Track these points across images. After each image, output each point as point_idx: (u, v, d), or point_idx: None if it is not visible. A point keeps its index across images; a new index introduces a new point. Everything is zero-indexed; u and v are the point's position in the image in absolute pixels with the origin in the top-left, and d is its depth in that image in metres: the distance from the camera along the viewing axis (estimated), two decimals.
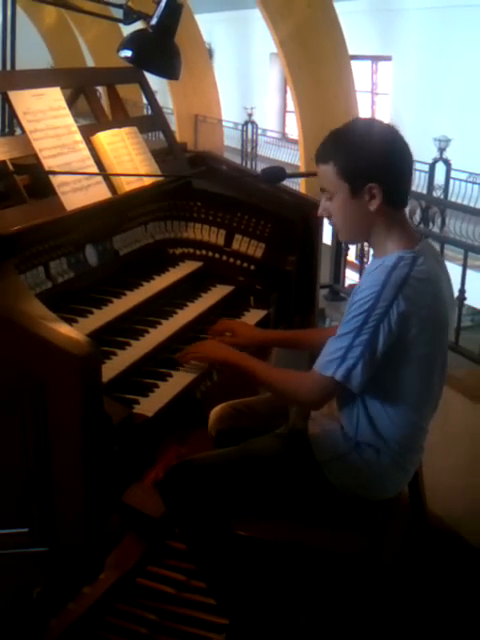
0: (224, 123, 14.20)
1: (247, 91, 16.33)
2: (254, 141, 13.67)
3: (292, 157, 12.94)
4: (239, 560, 2.19)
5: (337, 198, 2.01)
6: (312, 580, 2.48)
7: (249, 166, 12.74)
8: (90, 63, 17.88)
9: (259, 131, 13.86)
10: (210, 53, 16.45)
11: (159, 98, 3.17)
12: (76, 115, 2.54)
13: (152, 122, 3.06)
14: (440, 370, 2.10)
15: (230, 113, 14.53)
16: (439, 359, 2.08)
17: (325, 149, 2.02)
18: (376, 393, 2.03)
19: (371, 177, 1.96)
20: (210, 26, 15.63)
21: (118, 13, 3.03)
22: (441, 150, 9.68)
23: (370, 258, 2.14)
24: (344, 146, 1.99)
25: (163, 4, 2.73)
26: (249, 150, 13.62)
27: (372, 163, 1.96)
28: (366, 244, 4.56)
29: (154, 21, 2.74)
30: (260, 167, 11.70)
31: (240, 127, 13.74)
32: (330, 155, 2.00)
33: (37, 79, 2.48)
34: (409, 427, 2.08)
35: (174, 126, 13.11)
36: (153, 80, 3.00)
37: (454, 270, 3.60)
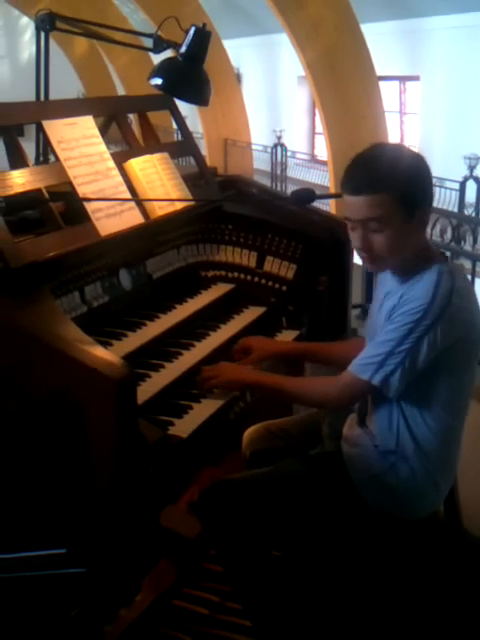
0: (254, 146, 14.27)
1: (276, 114, 16.42)
2: (284, 163, 13.73)
3: (322, 178, 12.97)
4: (275, 581, 2.19)
5: (391, 227, 1.97)
6: (347, 602, 2.47)
7: (279, 188, 12.79)
8: (120, 90, 18.09)
9: (288, 153, 13.91)
10: (238, 78, 16.58)
11: (189, 123, 3.21)
12: (108, 142, 2.59)
13: (183, 147, 3.11)
14: (473, 377, 2.12)
15: (259, 136, 14.61)
16: (473, 368, 2.10)
17: (377, 178, 1.96)
18: (414, 403, 2.04)
19: (420, 202, 1.99)
20: (238, 51, 15.76)
21: (148, 42, 3.09)
22: (471, 168, 9.64)
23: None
24: (399, 174, 1.96)
25: (192, 33, 2.79)
26: (279, 172, 13.67)
27: (421, 188, 2.00)
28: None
29: (183, 49, 2.80)
30: (290, 189, 11.74)
31: (269, 150, 13.81)
32: (383, 185, 1.95)
33: (70, 108, 2.54)
34: (446, 434, 2.08)
35: (204, 150, 13.21)
36: (183, 105, 3.05)
37: None
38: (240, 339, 2.54)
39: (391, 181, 1.95)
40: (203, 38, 2.82)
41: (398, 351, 1.95)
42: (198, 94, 2.93)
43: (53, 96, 3.02)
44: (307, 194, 2.43)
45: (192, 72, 2.85)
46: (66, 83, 14.31)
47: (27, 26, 20.49)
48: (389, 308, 2.05)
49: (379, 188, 1.94)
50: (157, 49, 2.97)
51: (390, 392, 1.99)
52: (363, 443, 2.14)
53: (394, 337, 1.95)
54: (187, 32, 2.82)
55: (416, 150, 2.09)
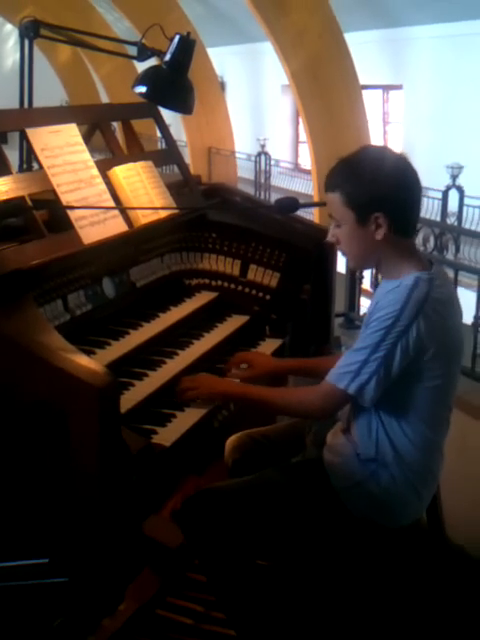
0: (237, 155, 14.29)
1: (259, 123, 16.46)
2: (267, 172, 13.75)
3: (305, 187, 13.01)
4: (258, 590, 2.18)
5: (344, 226, 2.03)
6: (332, 610, 2.47)
7: (263, 197, 12.81)
8: (104, 98, 18.08)
9: (272, 162, 13.94)
10: (222, 86, 16.61)
11: (172, 131, 3.22)
12: (92, 150, 2.59)
13: (167, 156, 3.11)
14: (453, 390, 2.12)
15: (243, 145, 14.64)
16: (453, 379, 2.10)
17: (333, 178, 2.02)
18: (392, 411, 2.04)
19: (377, 207, 1.96)
20: (222, 59, 15.80)
21: (132, 50, 3.10)
22: (454, 177, 9.70)
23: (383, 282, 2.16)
24: (351, 175, 1.99)
25: (176, 41, 2.80)
26: (262, 181, 13.70)
27: (378, 193, 1.96)
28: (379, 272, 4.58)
29: (168, 57, 2.80)
30: (274, 197, 11.75)
31: (253, 158, 13.84)
32: (337, 184, 2.01)
33: (54, 116, 2.54)
34: (426, 446, 2.08)
35: (188, 159, 13.22)
36: (166, 113, 3.05)
37: (468, 296, 3.62)
38: (235, 353, 2.54)
39: (341, 182, 1.99)
40: (187, 46, 2.83)
41: (373, 359, 1.94)
42: (182, 102, 2.93)
43: (37, 104, 3.01)
44: (291, 203, 2.44)
45: (176, 80, 2.85)
46: (50, 91, 14.32)
47: (11, 33, 20.45)
48: (368, 314, 2.06)
49: (331, 187, 2.02)
50: (141, 57, 2.97)
51: (365, 401, 1.99)
52: (345, 451, 2.14)
53: (368, 344, 1.96)
54: (171, 40, 2.83)
55: (402, 157, 2.03)
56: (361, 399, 1.98)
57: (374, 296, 2.14)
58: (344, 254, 2.14)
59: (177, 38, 2.81)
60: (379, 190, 1.96)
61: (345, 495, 2.11)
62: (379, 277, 4.65)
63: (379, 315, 1.96)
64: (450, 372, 2.06)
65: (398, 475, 2.07)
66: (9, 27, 20.25)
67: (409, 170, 2.01)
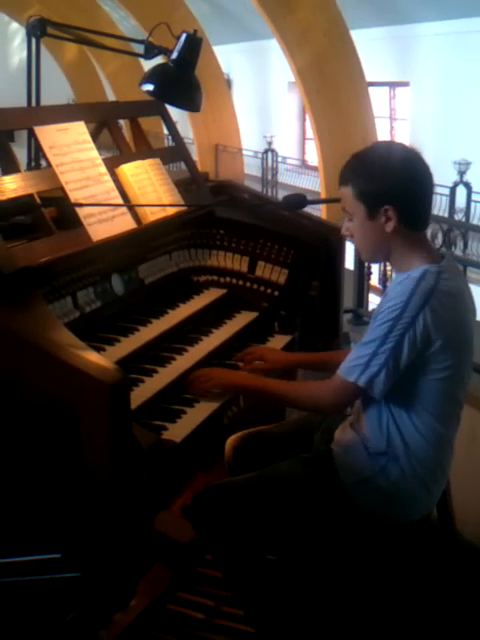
0: (244, 152, 14.31)
1: (266, 120, 16.46)
2: (274, 169, 13.76)
3: (312, 184, 13.00)
4: (274, 585, 2.19)
5: (356, 219, 2.06)
6: (343, 604, 2.47)
7: (270, 193, 12.81)
8: (110, 95, 18.12)
9: (279, 159, 13.95)
10: (229, 83, 16.62)
11: (179, 129, 3.23)
12: (99, 148, 2.60)
13: (174, 153, 3.12)
14: (464, 385, 2.12)
15: (250, 142, 14.64)
16: (463, 374, 2.10)
17: (345, 172, 2.07)
18: (402, 404, 2.05)
19: (387, 199, 1.99)
20: (228, 57, 15.81)
21: (138, 48, 3.10)
22: (461, 173, 9.69)
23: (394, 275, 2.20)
24: (362, 169, 2.03)
25: (183, 39, 2.80)
26: (269, 178, 13.70)
27: (387, 186, 1.99)
28: (389, 269, 4.58)
29: (174, 55, 2.81)
30: (281, 194, 11.75)
31: (260, 155, 13.84)
32: (349, 178, 2.05)
33: (62, 114, 2.55)
34: (436, 440, 2.09)
35: (195, 156, 13.23)
36: (173, 111, 3.06)
37: (477, 292, 3.61)
38: (246, 348, 2.55)
39: (353, 176, 2.04)
40: (194, 44, 2.83)
41: (381, 351, 1.96)
42: (189, 100, 2.94)
43: (43, 102, 3.02)
44: (299, 199, 2.44)
45: (183, 78, 2.86)
46: (56, 89, 14.33)
47: (17, 32, 20.50)
48: (377, 307, 2.08)
49: (343, 181, 2.06)
50: (148, 55, 2.98)
51: (376, 393, 2.00)
52: (354, 446, 2.15)
53: (376, 337, 1.97)
54: (178, 38, 2.83)
55: (413, 151, 2.06)
56: (371, 391, 2.00)
57: (386, 290, 2.16)
58: (356, 247, 2.18)
59: (184, 36, 2.82)
60: (388, 183, 1.99)
61: (354, 490, 2.11)
62: (387, 273, 4.65)
63: (386, 307, 1.98)
64: (460, 366, 2.06)
65: (408, 470, 2.07)
66: (15, 26, 20.30)
67: (419, 164, 2.03)
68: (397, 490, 2.09)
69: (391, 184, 2.00)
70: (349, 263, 3.65)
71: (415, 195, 2.03)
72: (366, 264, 4.67)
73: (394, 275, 2.16)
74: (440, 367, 2.01)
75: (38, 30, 2.83)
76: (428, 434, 2.06)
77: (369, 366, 1.97)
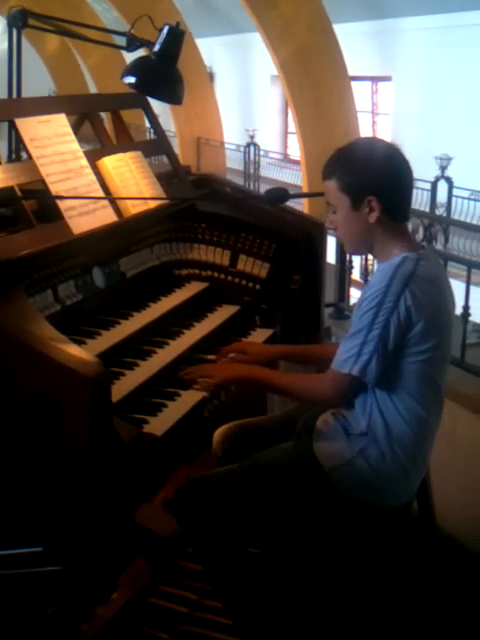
0: (226, 145, 14.29)
1: (249, 113, 16.45)
2: (256, 162, 13.75)
3: (294, 178, 13.01)
4: (253, 578, 2.20)
5: (340, 211, 2.12)
6: (325, 594, 2.49)
7: (252, 187, 12.80)
8: (92, 88, 18.01)
9: (261, 153, 13.95)
10: (211, 76, 16.58)
11: (161, 122, 3.22)
12: (80, 140, 2.58)
13: (156, 146, 3.11)
14: (443, 370, 2.16)
15: (232, 135, 14.62)
16: (442, 357, 2.14)
17: (329, 166, 2.14)
18: (385, 387, 2.09)
19: (369, 191, 2.06)
20: (211, 50, 15.77)
21: (120, 40, 3.09)
22: (443, 168, 9.74)
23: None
24: (346, 163, 2.11)
25: (165, 31, 2.79)
26: (252, 171, 13.69)
27: (370, 178, 2.07)
28: (370, 263, 4.60)
29: (157, 48, 2.79)
30: (263, 188, 11.75)
31: (242, 149, 13.83)
32: (333, 171, 2.12)
33: (43, 106, 2.53)
34: (417, 424, 2.11)
35: (177, 149, 13.18)
36: (155, 104, 3.05)
37: (458, 287, 3.63)
38: (235, 341, 2.56)
39: (337, 170, 2.11)
40: (177, 37, 2.82)
41: (370, 338, 2.01)
42: (171, 93, 2.93)
43: (24, 94, 3.00)
44: (281, 193, 2.44)
45: (166, 71, 2.84)
46: (37, 81, 14.26)
47: None
48: (360, 297, 2.12)
49: (327, 175, 2.13)
50: (130, 47, 2.96)
51: (369, 379, 2.04)
52: (335, 432, 2.17)
53: (362, 326, 2.02)
54: (160, 31, 2.82)
55: (393, 146, 2.14)
56: (365, 378, 2.04)
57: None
58: (340, 239, 2.23)
59: (166, 28, 2.81)
60: (371, 175, 2.07)
61: (335, 475, 2.13)
62: (369, 267, 4.67)
63: (368, 294, 2.03)
64: (440, 348, 2.10)
65: (388, 453, 2.10)
66: None
67: (399, 157, 2.12)
68: (376, 473, 2.11)
69: (374, 176, 2.07)
70: (331, 257, 3.66)
71: (397, 187, 2.11)
72: (348, 258, 4.68)
73: (376, 266, 2.20)
74: (421, 349, 2.05)
75: (19, 21, 2.80)
76: (409, 417, 2.10)
77: (361, 355, 2.02)
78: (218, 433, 2.50)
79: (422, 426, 2.14)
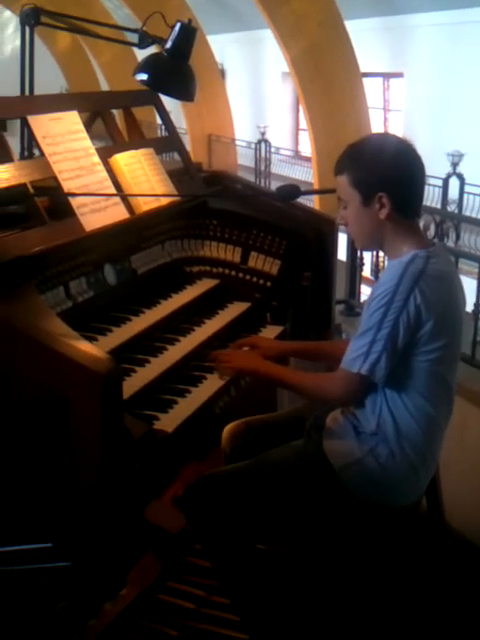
0: (237, 142, 14.28)
1: (260, 110, 16.41)
2: (267, 159, 13.73)
3: (305, 174, 12.99)
4: (261, 574, 2.21)
5: (351, 207, 2.13)
6: (333, 592, 2.49)
7: (263, 184, 12.79)
8: (104, 85, 18.03)
9: (272, 149, 13.92)
10: (222, 73, 16.57)
11: (172, 118, 3.22)
12: (92, 137, 2.59)
13: (168, 143, 3.11)
14: (453, 369, 2.16)
15: (243, 132, 14.61)
16: (452, 356, 2.13)
17: (341, 161, 2.14)
18: (395, 386, 2.08)
19: (380, 187, 2.06)
20: (222, 47, 15.76)
21: (132, 37, 3.09)
22: (454, 165, 9.68)
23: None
24: (357, 158, 2.11)
25: (177, 28, 2.79)
26: (262, 168, 13.68)
27: (381, 174, 2.07)
28: (381, 260, 4.59)
29: (169, 45, 2.80)
30: (274, 185, 11.74)
31: (253, 146, 13.81)
32: (345, 167, 2.12)
33: (55, 103, 2.54)
34: (426, 423, 2.11)
35: (188, 146, 13.19)
36: (166, 100, 3.05)
37: (469, 283, 3.63)
38: (245, 337, 2.55)
39: (349, 165, 2.11)
40: (189, 34, 2.82)
41: (379, 338, 2.01)
42: (184, 90, 2.93)
43: (36, 91, 3.01)
44: (292, 190, 2.44)
45: (178, 68, 2.85)
46: (49, 78, 14.28)
47: (10, 20, 20.35)
48: (370, 294, 2.11)
49: (339, 170, 2.13)
50: (142, 45, 2.97)
51: (378, 379, 2.04)
52: (344, 431, 2.17)
53: (372, 325, 2.02)
54: (172, 28, 2.82)
55: (405, 141, 2.13)
56: (374, 377, 2.03)
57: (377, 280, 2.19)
58: (351, 235, 2.24)
59: (178, 25, 2.81)
60: (382, 171, 2.07)
61: (345, 474, 2.13)
62: (379, 264, 4.66)
63: (377, 293, 2.03)
64: (450, 347, 2.09)
65: (397, 451, 2.09)
66: (8, 14, 20.15)
67: (411, 153, 2.11)
68: (386, 472, 2.11)
69: (385, 172, 2.07)
70: (341, 254, 3.65)
71: (408, 183, 2.10)
72: (359, 255, 4.68)
73: (386, 262, 2.21)
74: (431, 348, 2.04)
75: (32, 19, 2.81)
76: (419, 416, 2.09)
77: (369, 354, 2.01)
78: (227, 430, 2.51)
79: (432, 424, 2.13)
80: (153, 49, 3.12)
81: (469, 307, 3.06)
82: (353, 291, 4.78)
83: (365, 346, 2.02)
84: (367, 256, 4.81)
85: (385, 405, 2.10)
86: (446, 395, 2.16)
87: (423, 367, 2.06)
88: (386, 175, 2.07)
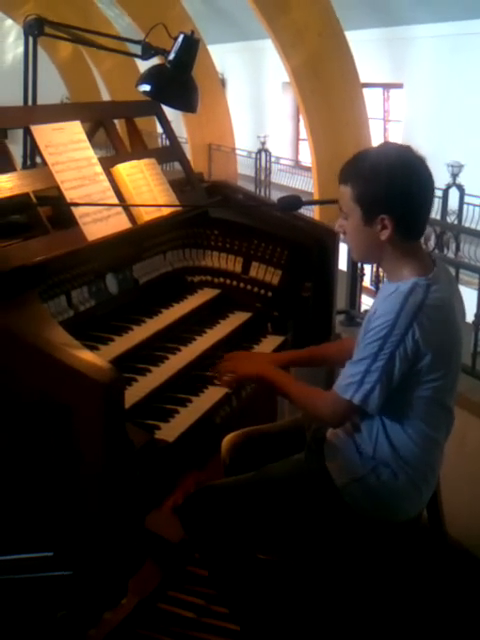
0: (238, 152, 14.31)
1: (260, 120, 16.45)
2: (268, 169, 13.76)
3: (305, 184, 13.01)
4: (260, 585, 2.20)
5: (351, 220, 2.04)
6: (333, 604, 2.49)
7: (263, 194, 12.81)
8: (105, 94, 18.08)
9: (272, 159, 13.95)
10: (223, 83, 16.61)
11: (173, 128, 3.23)
12: (93, 146, 2.60)
13: (169, 153, 3.13)
14: (453, 393, 2.14)
15: (243, 142, 14.65)
16: (452, 382, 2.11)
17: (347, 170, 2.03)
18: (393, 412, 2.06)
19: (384, 209, 1.97)
20: (222, 56, 15.79)
21: (135, 48, 3.10)
22: (454, 176, 9.70)
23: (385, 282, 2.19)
24: (364, 172, 1.98)
25: (180, 40, 2.81)
26: (263, 178, 13.70)
27: (387, 194, 1.96)
28: (382, 272, 4.60)
29: (172, 56, 2.81)
30: (274, 194, 11.76)
31: (254, 155, 13.84)
32: (350, 177, 2.01)
33: (58, 113, 2.55)
34: (426, 444, 2.10)
35: (188, 155, 13.20)
36: (166, 110, 3.06)
37: (469, 294, 3.64)
38: (234, 352, 2.53)
39: (354, 177, 2.00)
40: (191, 45, 2.84)
41: (374, 368, 1.96)
42: (186, 101, 2.95)
43: (38, 100, 3.02)
44: (293, 201, 2.45)
45: (180, 79, 2.86)
46: (50, 87, 14.30)
47: (11, 29, 20.41)
48: (366, 319, 2.07)
49: (344, 179, 2.02)
50: (145, 56, 2.98)
51: (371, 409, 2.00)
52: (346, 447, 2.16)
53: (368, 354, 1.97)
54: (175, 39, 2.84)
55: (421, 160, 2.01)
56: (366, 408, 1.99)
57: (376, 298, 2.15)
58: (348, 245, 2.17)
59: (181, 37, 2.83)
60: (389, 192, 1.96)
61: (346, 491, 2.12)
62: (380, 275, 4.67)
63: (375, 325, 1.97)
64: (450, 373, 2.07)
65: (399, 471, 2.09)
66: (9, 22, 20.22)
67: (423, 174, 1.99)
68: (388, 491, 2.10)
69: (391, 193, 1.96)
70: (342, 264, 3.66)
71: (415, 207, 2.00)
72: (359, 265, 4.68)
73: (385, 280, 2.16)
74: (430, 379, 2.01)
75: (35, 29, 2.82)
76: (417, 438, 2.08)
77: (363, 383, 1.97)
78: (227, 441, 2.50)
79: (432, 445, 2.12)
80: (155, 60, 3.13)
81: (469, 318, 3.07)
82: (353, 301, 4.79)
83: (359, 375, 1.97)
84: (367, 266, 4.82)
85: (382, 432, 2.07)
86: (446, 417, 2.14)
87: (422, 395, 2.03)
88: (393, 197, 1.95)
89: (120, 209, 2.52)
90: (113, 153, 2.83)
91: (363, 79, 10.05)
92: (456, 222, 9.33)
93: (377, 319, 1.97)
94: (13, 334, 1.79)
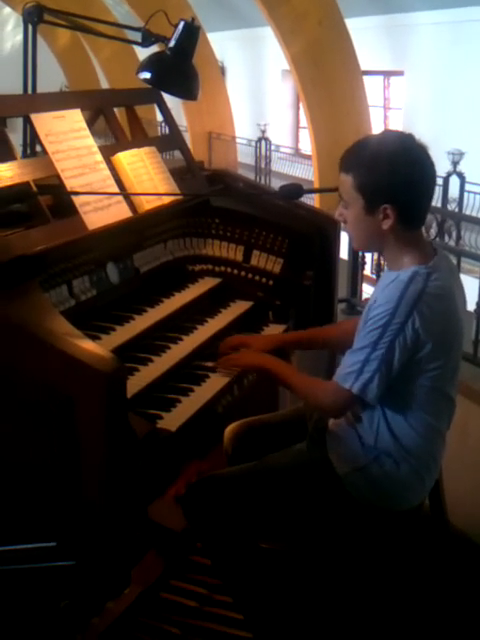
0: (238, 140, 14.27)
1: (260, 108, 16.40)
2: (268, 157, 13.72)
3: (306, 172, 13.00)
4: (263, 573, 2.20)
5: (352, 209, 2.03)
6: (336, 593, 2.49)
7: (263, 182, 12.77)
8: (104, 82, 18.01)
9: (272, 147, 13.91)
10: (223, 71, 16.55)
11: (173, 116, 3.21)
12: (93, 134, 2.58)
13: (170, 141, 3.11)
14: (454, 381, 2.13)
15: (243, 130, 14.60)
16: (453, 371, 2.10)
17: (349, 159, 2.01)
18: (394, 402, 2.05)
19: (387, 198, 1.95)
20: (222, 44, 15.73)
21: (135, 35, 3.09)
22: (455, 163, 9.67)
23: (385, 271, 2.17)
24: (366, 161, 1.97)
25: (181, 27, 2.79)
26: (263, 166, 13.66)
27: (390, 184, 1.94)
28: (383, 260, 4.60)
29: (172, 44, 2.79)
30: (274, 183, 11.73)
31: (254, 143, 13.80)
32: (352, 166, 2.00)
33: (58, 101, 2.54)
34: (428, 433, 2.10)
35: (188, 143, 13.17)
36: (166, 98, 3.05)
37: (470, 282, 3.63)
38: (231, 336, 2.54)
39: (356, 166, 1.98)
40: (192, 33, 2.82)
41: (373, 358, 1.95)
42: (187, 89, 2.93)
43: (37, 88, 3.00)
44: (295, 189, 2.44)
45: (181, 67, 2.85)
46: (49, 75, 14.22)
47: (10, 16, 20.30)
48: (366, 308, 2.06)
49: (345, 168, 2.01)
50: (145, 43, 2.97)
51: (370, 399, 1.99)
52: (348, 436, 2.15)
53: (367, 343, 1.96)
54: (176, 27, 2.82)
55: (423, 149, 1.99)
56: (365, 397, 1.99)
57: (376, 287, 2.14)
58: (349, 234, 2.15)
59: (182, 24, 2.81)
60: (392, 182, 1.94)
61: (348, 480, 2.12)
62: (381, 263, 4.66)
63: (375, 313, 1.96)
64: (450, 361, 2.06)
65: (401, 461, 2.09)
66: (8, 10, 20.10)
67: (426, 161, 1.98)
68: (390, 480, 2.10)
69: (394, 183, 1.94)
70: (343, 252, 3.65)
71: (417, 196, 1.99)
72: (360, 254, 4.68)
73: (386, 269, 2.16)
74: (430, 368, 2.01)
75: (34, 16, 2.81)
76: (419, 427, 2.08)
77: (362, 373, 1.96)
78: (229, 431, 2.50)
79: (434, 434, 2.12)
80: (154, 47, 3.11)
81: (471, 306, 3.07)
82: (355, 290, 4.79)
83: (358, 364, 1.97)
84: (368, 254, 4.81)
85: (383, 421, 2.07)
86: (447, 405, 2.14)
87: (423, 384, 2.03)
88: (396, 186, 1.94)
89: (121, 198, 2.51)
90: (113, 141, 2.82)
91: (363, 66, 10.00)
92: (457, 210, 9.31)
93: (377, 308, 1.96)
94: (14, 324, 1.78)
